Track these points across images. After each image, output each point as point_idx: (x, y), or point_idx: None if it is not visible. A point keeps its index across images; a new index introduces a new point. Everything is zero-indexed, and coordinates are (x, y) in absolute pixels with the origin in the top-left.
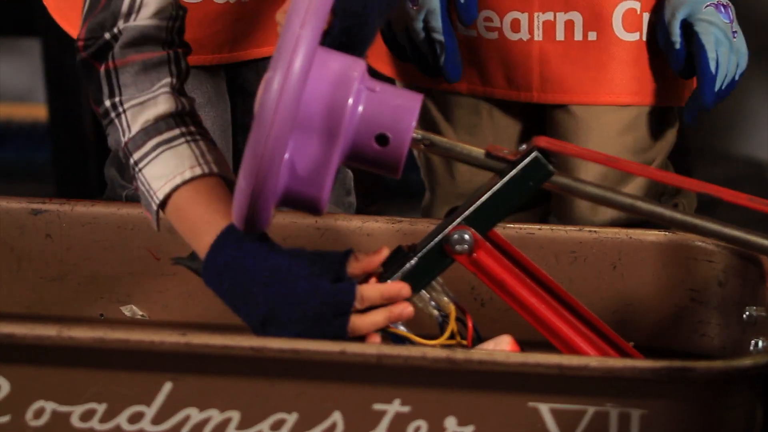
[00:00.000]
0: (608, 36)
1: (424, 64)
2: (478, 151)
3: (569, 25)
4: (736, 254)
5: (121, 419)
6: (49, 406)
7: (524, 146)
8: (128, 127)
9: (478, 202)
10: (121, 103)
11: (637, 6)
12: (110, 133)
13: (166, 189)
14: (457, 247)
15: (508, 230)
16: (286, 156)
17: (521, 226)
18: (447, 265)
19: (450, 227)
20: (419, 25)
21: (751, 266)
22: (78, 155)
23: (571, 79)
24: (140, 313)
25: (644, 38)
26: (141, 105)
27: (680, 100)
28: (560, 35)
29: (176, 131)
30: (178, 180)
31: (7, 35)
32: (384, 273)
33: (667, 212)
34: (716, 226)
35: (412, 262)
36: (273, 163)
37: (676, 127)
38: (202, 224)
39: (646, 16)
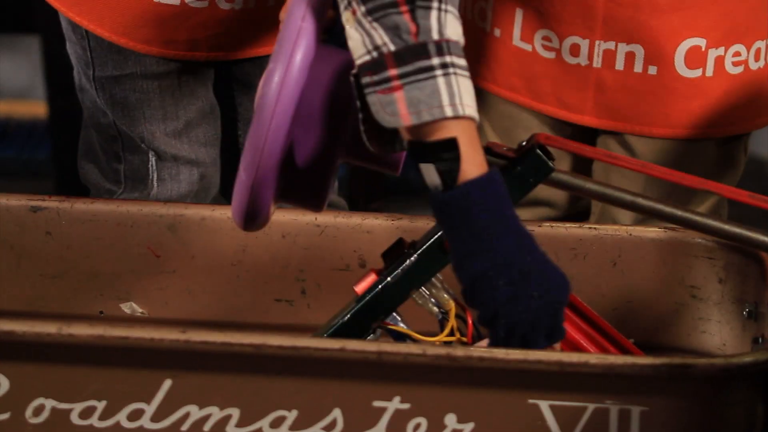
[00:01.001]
0: (669, 71)
1: None
2: None
3: (630, 57)
4: (736, 251)
5: (121, 416)
6: (49, 403)
7: (524, 143)
8: (446, 27)
9: None
10: (446, 2)
11: (702, 43)
12: (419, 18)
13: (473, 113)
14: None
15: None
16: (287, 149)
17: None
18: (447, 262)
19: None
20: None
21: (752, 263)
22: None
23: (626, 108)
24: (140, 310)
25: (708, 74)
26: (455, 17)
27: (747, 127)
28: (620, 65)
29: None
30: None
31: (6, 32)
32: (384, 269)
33: (668, 209)
34: (717, 223)
35: (412, 259)
36: (273, 156)
37: (743, 159)
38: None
39: (712, 53)
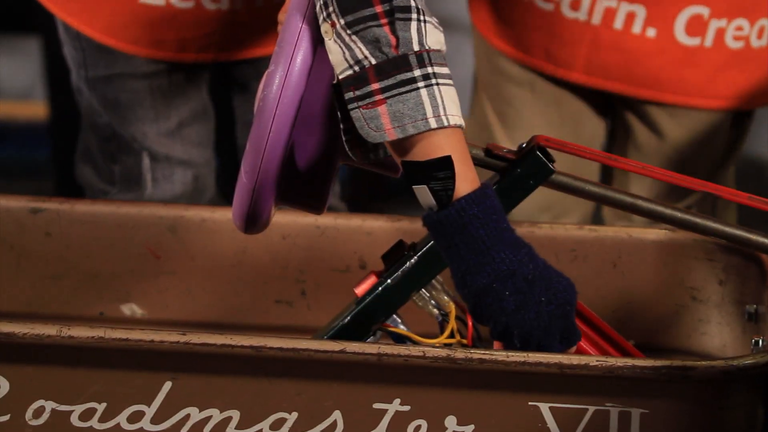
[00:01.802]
0: (667, 36)
1: None
2: (478, 150)
3: (630, 16)
4: (736, 253)
5: (121, 418)
6: (49, 405)
7: (524, 145)
8: (426, 37)
9: None
10: (424, 14)
11: (706, 12)
12: (399, 30)
13: (459, 121)
14: None
15: None
16: (287, 152)
17: (521, 223)
18: (447, 264)
19: None
20: None
21: (752, 265)
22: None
23: (619, 68)
24: (140, 311)
25: (707, 44)
26: (435, 27)
27: (742, 104)
28: (619, 24)
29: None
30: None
31: (6, 32)
32: (384, 271)
33: (668, 211)
34: (717, 225)
35: (413, 260)
36: (274, 158)
37: (743, 137)
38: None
39: (713, 23)
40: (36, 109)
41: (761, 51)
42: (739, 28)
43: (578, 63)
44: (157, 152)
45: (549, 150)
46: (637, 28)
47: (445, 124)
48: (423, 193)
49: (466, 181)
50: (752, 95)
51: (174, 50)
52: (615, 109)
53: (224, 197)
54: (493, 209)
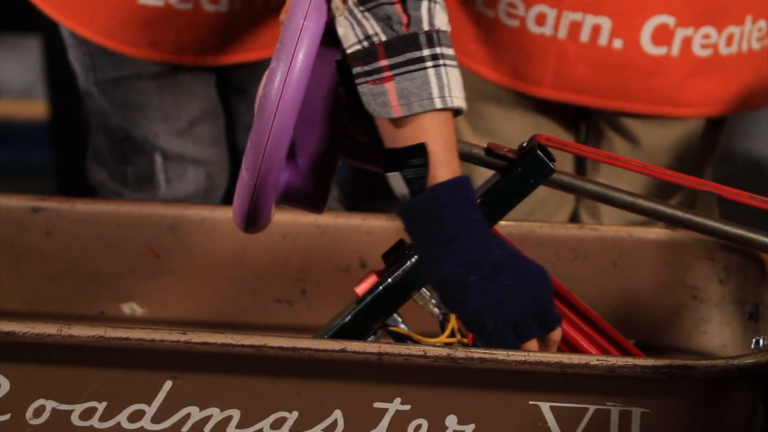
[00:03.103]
0: (634, 46)
1: None
2: (479, 149)
3: (596, 29)
4: (737, 252)
5: (122, 418)
6: (50, 404)
7: (525, 144)
8: (435, 17)
9: (479, 200)
10: None
11: (671, 21)
12: (410, 9)
13: (462, 104)
14: None
15: (509, 228)
16: (288, 150)
17: (522, 223)
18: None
19: None
20: None
21: (752, 264)
22: (78, 153)
23: (587, 81)
24: (140, 310)
25: (673, 53)
26: (442, 8)
27: (712, 111)
28: (585, 37)
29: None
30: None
31: (6, 32)
32: (385, 270)
33: (668, 210)
34: (717, 224)
35: (413, 259)
36: (275, 156)
37: (719, 142)
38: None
39: (680, 32)
40: (36, 109)
41: (731, 58)
42: (707, 36)
43: (546, 78)
44: (170, 151)
45: (549, 149)
46: (603, 41)
47: (449, 105)
48: (397, 182)
49: (447, 169)
50: (723, 102)
51: (172, 52)
52: (589, 119)
53: (226, 196)
54: (467, 199)
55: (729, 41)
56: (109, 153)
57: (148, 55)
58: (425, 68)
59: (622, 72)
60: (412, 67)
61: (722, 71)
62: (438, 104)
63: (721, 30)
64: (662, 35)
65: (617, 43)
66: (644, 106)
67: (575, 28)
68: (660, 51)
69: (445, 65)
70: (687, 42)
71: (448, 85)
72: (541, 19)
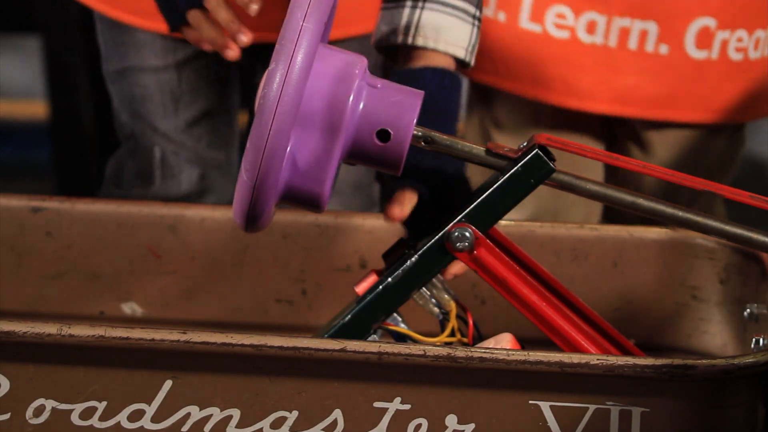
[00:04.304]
0: (679, 51)
1: None
2: (479, 149)
3: (643, 35)
4: (737, 252)
5: (121, 417)
6: (49, 404)
7: (525, 144)
8: None
9: (479, 200)
10: None
11: (713, 24)
12: None
13: (461, 53)
14: (458, 244)
15: (509, 228)
16: (288, 150)
17: (522, 223)
18: (448, 262)
19: (451, 224)
20: None
21: (753, 264)
22: (78, 153)
23: (637, 91)
24: (140, 310)
25: (713, 57)
26: None
27: (737, 117)
28: (633, 44)
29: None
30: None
31: (6, 32)
32: (385, 269)
33: (669, 209)
34: (717, 224)
35: (413, 259)
36: (275, 156)
37: (743, 147)
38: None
39: (719, 35)
40: (36, 108)
41: (757, 63)
42: (740, 39)
43: (600, 91)
44: (167, 148)
45: (550, 149)
46: (650, 47)
47: (410, 43)
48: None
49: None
50: (745, 108)
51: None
52: (613, 134)
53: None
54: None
55: (756, 45)
56: (127, 156)
57: (155, 27)
58: (403, 6)
59: (670, 79)
60: (392, 5)
61: (749, 75)
62: (399, 39)
63: (751, 33)
64: (704, 38)
65: (663, 49)
66: (688, 113)
67: (624, 34)
68: (702, 55)
69: (422, 8)
70: (724, 45)
71: (417, 23)
72: (591, 27)
